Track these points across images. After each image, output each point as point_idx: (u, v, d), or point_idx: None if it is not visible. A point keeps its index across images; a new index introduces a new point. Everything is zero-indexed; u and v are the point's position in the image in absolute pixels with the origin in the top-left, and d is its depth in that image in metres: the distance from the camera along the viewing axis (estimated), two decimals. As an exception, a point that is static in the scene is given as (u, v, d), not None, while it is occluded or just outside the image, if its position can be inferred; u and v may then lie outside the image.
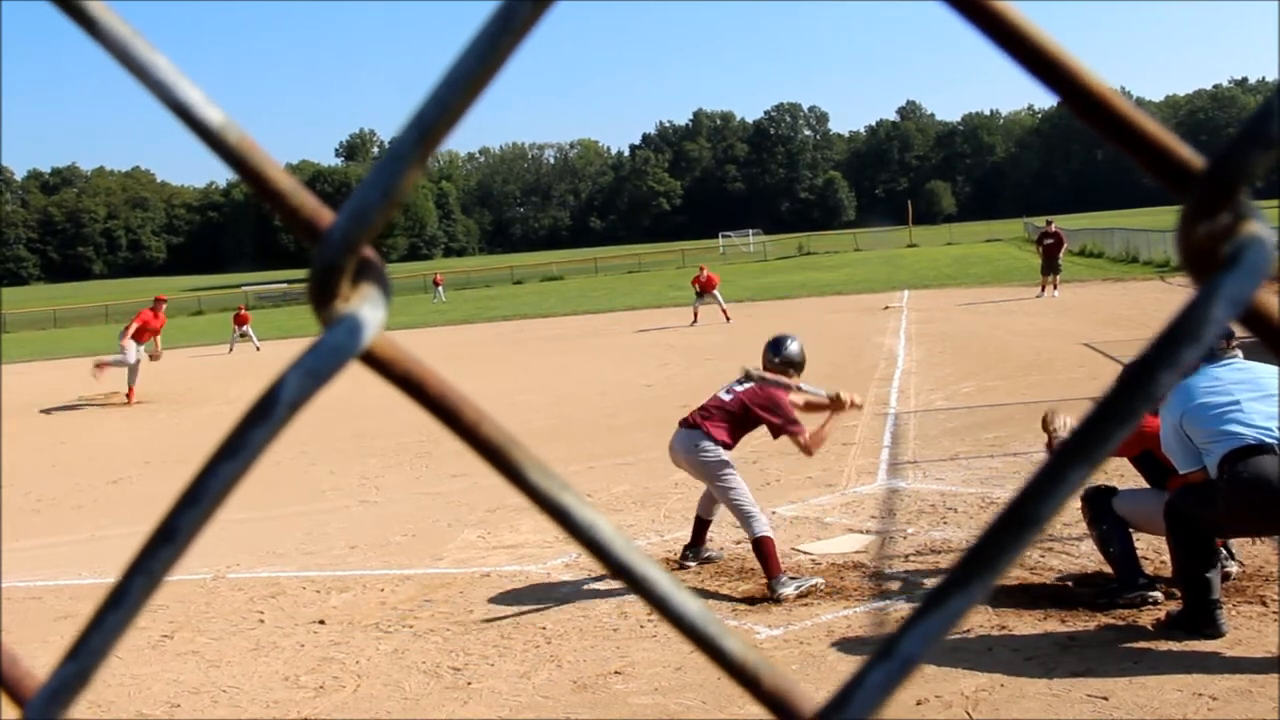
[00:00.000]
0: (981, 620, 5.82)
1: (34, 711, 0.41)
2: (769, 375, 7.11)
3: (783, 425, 6.97)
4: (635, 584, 0.39)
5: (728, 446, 6.97)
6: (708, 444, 6.93)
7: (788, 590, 6.53)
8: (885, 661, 0.36)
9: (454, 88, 0.37)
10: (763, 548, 6.69)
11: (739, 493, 6.86)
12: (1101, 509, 5.99)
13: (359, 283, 0.39)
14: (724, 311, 29.81)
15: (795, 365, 7.30)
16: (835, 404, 7.09)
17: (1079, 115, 0.37)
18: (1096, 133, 0.37)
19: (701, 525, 7.39)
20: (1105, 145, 0.38)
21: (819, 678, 5.30)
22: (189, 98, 0.40)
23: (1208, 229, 0.34)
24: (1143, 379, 0.35)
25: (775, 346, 7.41)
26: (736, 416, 7.03)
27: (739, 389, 7.11)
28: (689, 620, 0.39)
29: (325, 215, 0.39)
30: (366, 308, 0.39)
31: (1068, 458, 0.35)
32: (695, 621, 0.39)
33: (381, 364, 0.40)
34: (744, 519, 6.80)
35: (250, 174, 0.40)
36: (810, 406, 7.21)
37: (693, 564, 7.34)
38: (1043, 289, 28.62)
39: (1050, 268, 28.54)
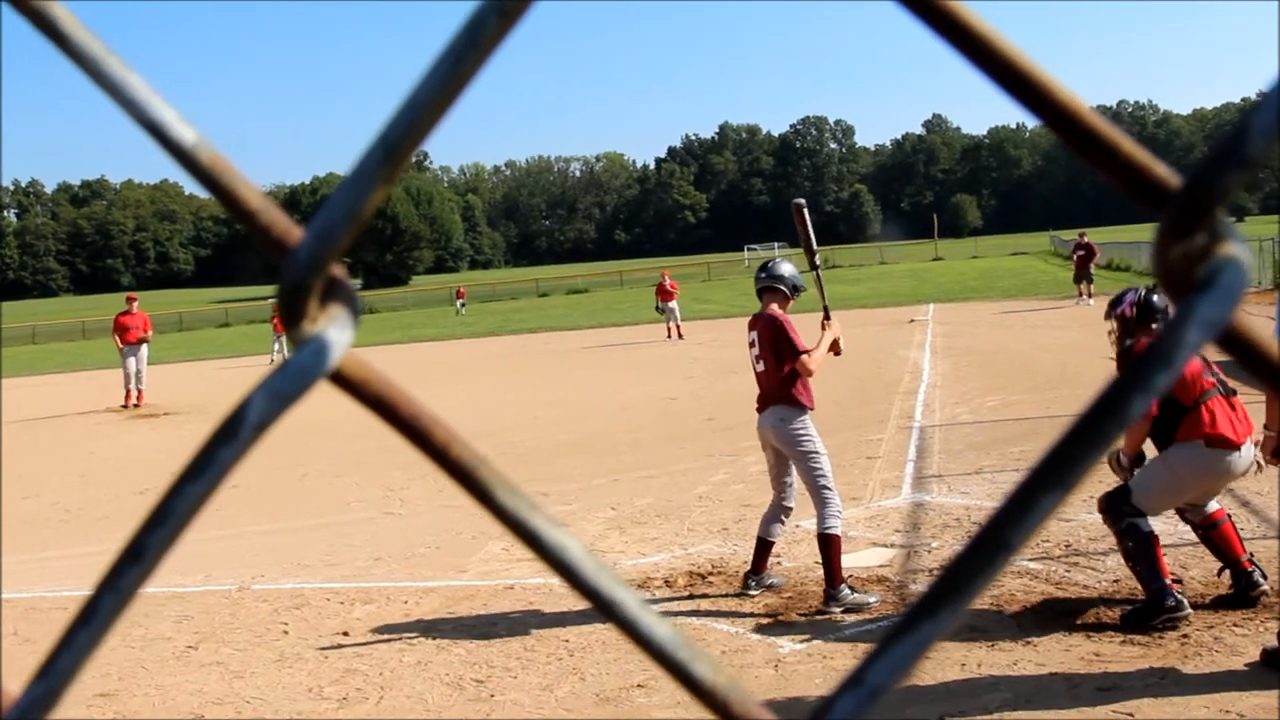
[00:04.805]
0: (1006, 635, 5.79)
1: (4, 732, 0.41)
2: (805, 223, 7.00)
3: (794, 353, 6.71)
4: (603, 607, 0.38)
5: (808, 408, 6.71)
6: (794, 415, 6.68)
7: (835, 610, 6.45)
8: (855, 689, 0.35)
9: (419, 108, 0.37)
10: (828, 545, 6.49)
11: (823, 475, 6.63)
12: (1122, 517, 5.87)
13: (327, 303, 0.39)
14: (676, 328, 30.98)
15: (793, 286, 7.10)
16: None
17: (1053, 131, 0.36)
18: (1071, 149, 0.36)
19: (764, 547, 6.93)
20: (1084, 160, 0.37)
21: (841, 693, 5.27)
22: (162, 117, 0.40)
23: (1182, 249, 0.34)
24: (1115, 403, 0.34)
25: (771, 269, 7.15)
26: (782, 360, 6.73)
27: (757, 346, 6.88)
28: (658, 644, 0.38)
29: (296, 234, 0.39)
30: (333, 329, 0.39)
31: (1038, 484, 0.34)
32: (664, 646, 0.38)
33: (352, 385, 0.40)
34: (821, 505, 6.57)
35: (222, 193, 0.40)
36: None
37: (755, 591, 6.87)
38: (1081, 296, 30.65)
39: (1082, 277, 31.04)
